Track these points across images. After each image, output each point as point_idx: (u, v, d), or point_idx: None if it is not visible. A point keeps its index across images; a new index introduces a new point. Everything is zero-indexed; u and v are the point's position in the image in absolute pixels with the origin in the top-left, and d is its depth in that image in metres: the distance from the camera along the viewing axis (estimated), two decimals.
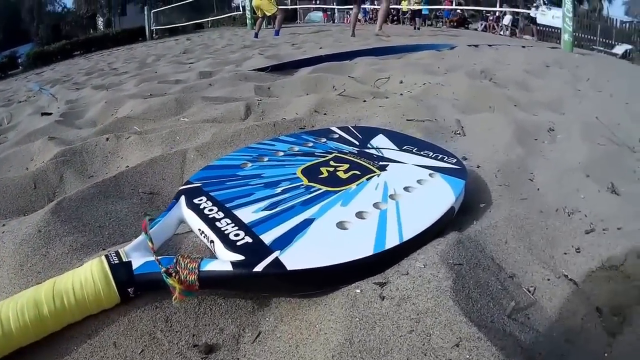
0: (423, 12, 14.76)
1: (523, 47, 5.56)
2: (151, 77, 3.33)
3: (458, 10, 17.98)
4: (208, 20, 16.62)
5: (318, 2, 23.78)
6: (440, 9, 17.80)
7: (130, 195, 1.13)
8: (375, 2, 12.38)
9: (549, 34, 13.67)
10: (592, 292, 0.77)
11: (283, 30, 7.88)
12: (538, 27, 14.10)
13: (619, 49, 13.16)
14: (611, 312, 0.73)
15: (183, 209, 0.83)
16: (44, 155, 1.53)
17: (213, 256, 0.73)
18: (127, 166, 1.33)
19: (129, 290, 0.67)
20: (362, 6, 15.19)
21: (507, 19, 15.59)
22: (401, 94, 2.20)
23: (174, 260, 0.66)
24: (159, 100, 2.03)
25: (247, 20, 11.17)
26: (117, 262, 0.69)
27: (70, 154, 1.45)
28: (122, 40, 15.70)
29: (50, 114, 2.47)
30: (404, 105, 1.84)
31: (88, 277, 0.67)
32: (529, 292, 0.77)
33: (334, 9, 18.55)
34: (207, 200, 0.84)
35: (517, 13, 15.15)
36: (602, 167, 1.30)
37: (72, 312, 0.65)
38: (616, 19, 15.98)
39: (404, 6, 14.79)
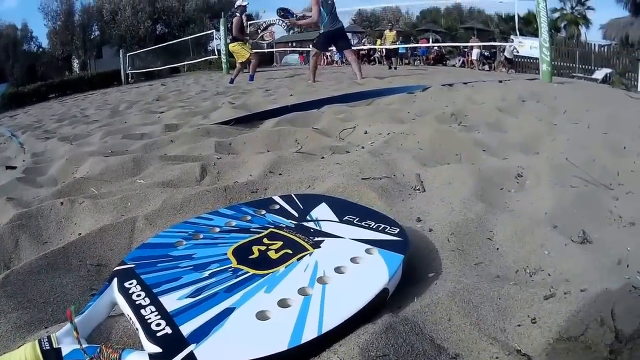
0: (400, 51, 15.19)
1: (500, 81, 5.42)
2: (118, 130, 3.37)
3: (435, 47, 18.56)
4: (184, 64, 16.81)
5: (294, 45, 24.33)
6: (416, 47, 18.34)
7: (77, 267, 1.17)
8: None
9: (528, 65, 13.90)
10: None
11: (258, 75, 8.06)
12: (515, 59, 14.58)
13: (599, 73, 13.44)
14: None
15: (115, 292, 0.86)
16: (1, 218, 1.56)
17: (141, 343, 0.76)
18: (80, 233, 1.37)
19: None
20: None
21: (474, 54, 16.17)
22: (362, 147, 2.19)
23: (98, 350, 0.70)
24: (117, 160, 2.07)
25: (223, 65, 11.36)
26: (49, 347, 0.72)
27: (26, 218, 1.48)
28: (97, 83, 15.78)
29: (15, 167, 2.51)
30: (362, 161, 1.83)
31: None
32: None
33: (310, 51, 18.92)
34: (137, 284, 0.86)
35: (494, 47, 15.74)
36: (572, 213, 1.26)
37: None
38: (594, 44, 16.43)
39: (378, 45, 15.17)
